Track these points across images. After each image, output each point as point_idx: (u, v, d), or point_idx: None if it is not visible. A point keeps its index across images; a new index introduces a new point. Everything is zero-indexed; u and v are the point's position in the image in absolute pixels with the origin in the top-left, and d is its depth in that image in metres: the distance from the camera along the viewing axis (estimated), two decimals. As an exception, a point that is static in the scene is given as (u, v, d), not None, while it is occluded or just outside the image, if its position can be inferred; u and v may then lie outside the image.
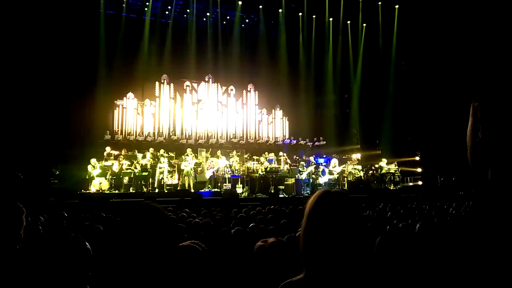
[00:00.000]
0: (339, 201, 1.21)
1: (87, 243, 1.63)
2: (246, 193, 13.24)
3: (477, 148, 1.44)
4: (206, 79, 17.12)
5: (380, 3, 16.81)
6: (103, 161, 12.62)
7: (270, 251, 1.84)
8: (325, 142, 17.35)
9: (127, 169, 12.57)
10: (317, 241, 1.18)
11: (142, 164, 12.69)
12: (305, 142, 17.35)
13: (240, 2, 16.18)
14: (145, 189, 12.51)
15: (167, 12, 16.05)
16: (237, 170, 13.73)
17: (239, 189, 13.09)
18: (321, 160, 15.25)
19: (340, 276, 1.15)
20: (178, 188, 12.88)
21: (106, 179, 12.26)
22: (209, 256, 1.75)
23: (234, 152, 14.64)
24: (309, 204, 1.25)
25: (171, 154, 14.02)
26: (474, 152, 1.43)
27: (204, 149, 15.37)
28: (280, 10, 16.89)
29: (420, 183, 15.93)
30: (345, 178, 14.78)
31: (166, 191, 12.63)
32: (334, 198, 1.23)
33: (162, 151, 13.79)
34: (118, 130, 15.18)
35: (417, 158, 16.59)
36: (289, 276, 1.32)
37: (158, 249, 1.45)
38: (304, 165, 14.52)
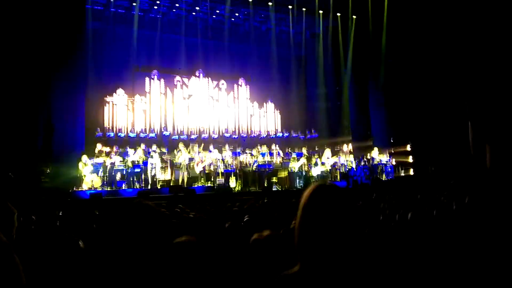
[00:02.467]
0: (334, 194, 1.23)
1: (80, 242, 1.62)
2: (240, 187, 13.26)
3: (477, 139, 1.47)
4: (197, 74, 17.02)
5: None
6: (95, 158, 12.53)
7: (265, 243, 1.86)
8: (317, 135, 17.41)
9: (119, 165, 12.51)
10: (311, 234, 1.20)
11: (133, 161, 12.63)
12: (297, 135, 17.38)
13: (229, -4, 16.09)
14: (137, 185, 12.47)
15: (156, 7, 15.88)
16: (229, 164, 13.73)
17: (232, 184, 13.11)
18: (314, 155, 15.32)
19: (334, 268, 1.16)
20: (171, 184, 12.84)
21: (98, 176, 12.19)
22: (204, 251, 1.76)
23: (227, 147, 14.63)
24: (304, 197, 1.26)
25: (163, 150, 13.97)
26: (475, 142, 1.46)
27: (197, 144, 15.32)
28: (270, 4, 16.81)
29: (411, 172, 16.08)
30: (337, 170, 14.86)
31: (159, 187, 12.60)
32: (329, 191, 1.24)
33: (154, 146, 13.73)
34: (109, 127, 15.06)
35: (408, 148, 16.72)
36: (284, 269, 1.33)
37: (153, 246, 1.45)
38: (297, 158, 14.58)
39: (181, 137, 15.71)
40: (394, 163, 15.55)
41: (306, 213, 1.22)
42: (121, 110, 15.51)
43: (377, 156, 15.07)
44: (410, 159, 16.40)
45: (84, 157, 12.20)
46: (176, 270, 1.61)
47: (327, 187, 1.26)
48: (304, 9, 17.54)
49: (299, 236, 1.23)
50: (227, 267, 2.07)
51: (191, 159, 13.42)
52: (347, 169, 14.75)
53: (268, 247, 1.79)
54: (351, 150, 16.01)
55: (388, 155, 15.38)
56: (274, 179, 13.77)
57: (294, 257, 1.30)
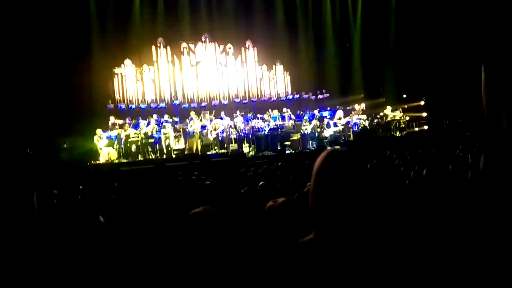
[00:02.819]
0: (347, 160, 1.22)
1: (101, 217, 1.67)
2: (253, 152, 13.35)
3: (491, 102, 1.38)
4: (203, 39, 16.72)
5: None
6: (109, 131, 12.68)
7: (280, 210, 1.88)
8: (328, 95, 17.16)
9: (133, 137, 12.65)
10: (326, 200, 1.20)
11: (146, 132, 12.75)
12: (308, 96, 17.18)
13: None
14: (153, 156, 12.65)
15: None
16: (242, 130, 13.75)
17: (245, 149, 13.19)
18: (326, 113, 15.17)
19: (349, 235, 1.17)
20: (186, 153, 12.99)
21: (114, 148, 12.39)
22: (221, 219, 1.80)
23: (238, 112, 14.59)
24: (317, 164, 1.26)
25: (175, 119, 14.02)
26: (489, 106, 1.38)
27: (208, 111, 15.31)
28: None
29: (426, 127, 15.90)
30: (350, 129, 14.77)
31: (174, 156, 12.76)
32: (342, 156, 1.23)
33: (166, 116, 13.78)
34: (119, 99, 15.10)
35: (422, 103, 16.43)
36: (300, 236, 1.35)
37: (170, 219, 1.49)
38: (308, 119, 14.49)
39: (192, 105, 15.68)
40: (407, 118, 15.36)
41: (319, 180, 1.22)
42: (130, 81, 15.47)
43: (390, 112, 14.88)
44: (424, 114, 16.16)
45: (99, 131, 12.35)
46: (194, 241, 1.66)
47: (340, 152, 1.25)
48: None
49: (313, 203, 1.24)
50: (243, 236, 2.12)
51: (203, 127, 13.47)
52: (360, 128, 14.64)
53: (283, 214, 1.82)
54: (364, 109, 15.81)
55: (401, 111, 15.16)
56: (287, 143, 13.78)
57: (309, 223, 1.32)
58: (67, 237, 1.73)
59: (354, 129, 14.69)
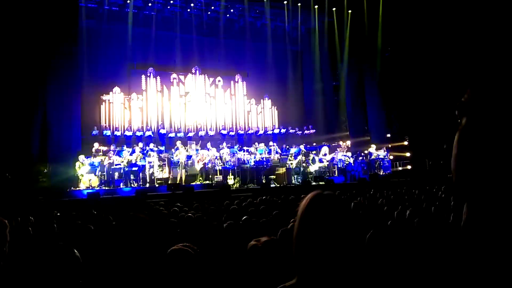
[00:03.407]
0: (332, 204, 1.20)
1: (76, 252, 1.60)
2: (238, 184, 13.25)
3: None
4: (193, 71, 16.95)
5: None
6: (92, 157, 12.48)
7: (263, 251, 1.84)
8: (314, 131, 17.38)
9: (116, 164, 12.46)
10: (309, 246, 1.17)
11: (130, 159, 12.59)
12: (294, 131, 17.36)
13: (224, -8, 15.98)
14: (135, 184, 12.44)
15: (150, 4, 15.76)
16: (227, 161, 13.71)
17: (230, 181, 13.09)
18: (311, 149, 15.32)
19: (333, 281, 1.14)
20: (169, 182, 12.82)
21: (95, 175, 12.15)
22: (201, 258, 1.74)
23: (224, 144, 14.59)
24: (301, 207, 1.23)
25: (161, 148, 13.92)
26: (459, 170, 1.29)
27: (194, 142, 15.27)
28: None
29: (409, 167, 16.12)
30: (335, 165, 14.87)
31: (157, 185, 12.57)
32: (327, 200, 1.21)
33: (151, 145, 13.69)
34: (105, 125, 14.99)
35: (406, 142, 16.75)
36: (283, 277, 1.32)
37: (148, 256, 1.44)
38: (294, 154, 14.57)
39: (178, 134, 15.65)
40: (391, 157, 15.58)
41: (303, 225, 1.20)
42: (118, 109, 15.44)
43: (375, 151, 15.09)
44: (408, 154, 16.43)
45: (81, 157, 12.15)
46: (172, 281, 1.60)
47: (325, 196, 1.23)
48: (299, 4, 17.46)
49: (296, 248, 1.21)
50: (225, 274, 2.06)
51: (189, 157, 13.39)
52: (344, 165, 14.76)
53: (266, 254, 1.77)
54: (349, 146, 16.03)
55: (385, 150, 15.39)
56: (272, 176, 13.76)
57: (292, 266, 1.28)
58: (37, 272, 1.66)
59: (339, 166, 14.81)
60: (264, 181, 13.19)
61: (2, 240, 1.75)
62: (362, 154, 15.45)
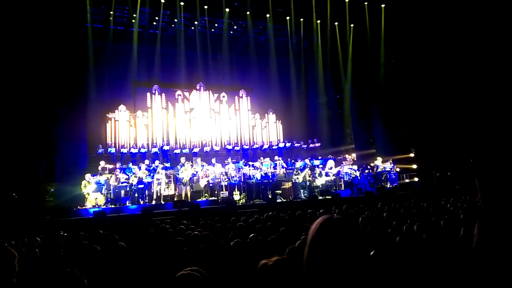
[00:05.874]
0: (342, 230, 1.19)
1: (84, 280, 1.59)
2: (244, 200, 13.19)
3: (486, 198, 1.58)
4: (198, 87, 17.09)
5: (366, 3, 16.90)
6: (98, 175, 12.52)
7: (274, 270, 1.81)
8: (319, 144, 17.36)
9: (123, 182, 12.48)
10: (320, 269, 1.16)
11: (137, 177, 12.60)
12: (299, 145, 17.33)
13: (227, 10, 16.18)
14: (141, 201, 12.42)
15: (155, 23, 16.00)
16: (233, 177, 13.68)
17: (236, 196, 13.03)
18: (317, 162, 15.25)
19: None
20: (175, 199, 12.78)
21: (101, 194, 12.16)
22: (209, 282, 1.72)
23: (229, 159, 14.58)
24: (311, 232, 1.22)
25: (166, 165, 13.94)
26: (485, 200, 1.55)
27: (199, 158, 15.30)
28: (268, 15, 16.92)
29: (416, 179, 15.98)
30: (341, 179, 14.78)
31: (163, 202, 12.55)
32: (337, 226, 1.20)
33: (157, 162, 13.72)
34: (111, 143, 15.08)
35: (412, 154, 16.65)
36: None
37: (157, 281, 1.42)
38: (300, 168, 14.52)
39: (183, 150, 15.69)
40: (397, 170, 15.46)
41: (314, 249, 1.19)
42: (123, 126, 15.54)
43: (381, 164, 15.00)
44: (414, 166, 16.31)
45: (88, 175, 12.19)
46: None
47: (335, 222, 1.22)
48: (301, 19, 17.64)
49: (307, 271, 1.20)
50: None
51: (194, 174, 13.38)
52: (351, 178, 14.66)
53: (276, 274, 1.75)
54: (355, 159, 15.95)
55: (391, 162, 15.29)
56: (278, 191, 13.69)
57: (302, 284, 1.26)
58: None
59: (345, 179, 14.71)
60: (270, 196, 13.11)
61: (11, 271, 1.74)
62: (368, 167, 15.36)
